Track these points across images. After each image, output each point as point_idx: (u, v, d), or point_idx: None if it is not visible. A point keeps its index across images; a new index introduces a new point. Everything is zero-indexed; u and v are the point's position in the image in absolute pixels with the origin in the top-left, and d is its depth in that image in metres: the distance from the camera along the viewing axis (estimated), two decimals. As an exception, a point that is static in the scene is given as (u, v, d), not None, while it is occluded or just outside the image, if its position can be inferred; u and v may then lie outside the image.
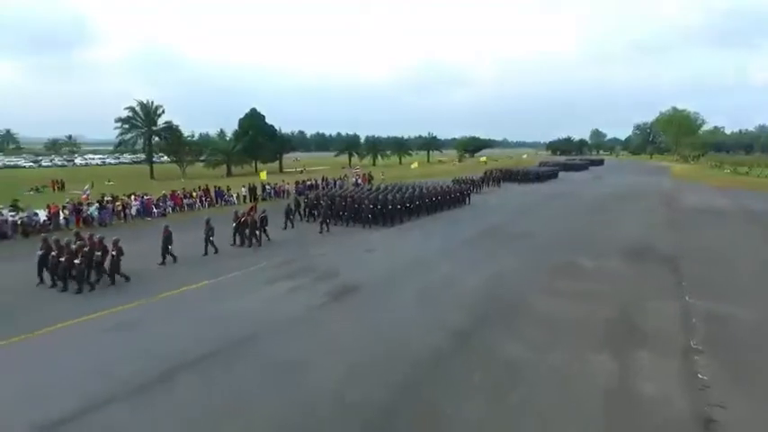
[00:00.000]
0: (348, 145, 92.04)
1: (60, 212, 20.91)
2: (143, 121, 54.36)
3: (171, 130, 55.79)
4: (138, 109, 54.26)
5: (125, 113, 53.85)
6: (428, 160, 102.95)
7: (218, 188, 31.17)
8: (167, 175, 51.17)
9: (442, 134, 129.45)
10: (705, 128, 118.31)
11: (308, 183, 36.54)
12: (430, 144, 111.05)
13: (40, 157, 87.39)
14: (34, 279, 12.99)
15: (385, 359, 8.69)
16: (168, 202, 26.16)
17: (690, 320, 10.73)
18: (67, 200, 23.58)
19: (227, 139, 69.29)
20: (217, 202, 29.50)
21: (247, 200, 29.89)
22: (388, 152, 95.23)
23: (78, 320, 10.44)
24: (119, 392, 7.45)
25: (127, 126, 54.28)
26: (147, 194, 26.04)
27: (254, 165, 63.84)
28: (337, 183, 39.00)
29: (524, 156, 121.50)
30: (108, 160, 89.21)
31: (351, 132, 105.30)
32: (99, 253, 13.37)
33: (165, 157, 61.61)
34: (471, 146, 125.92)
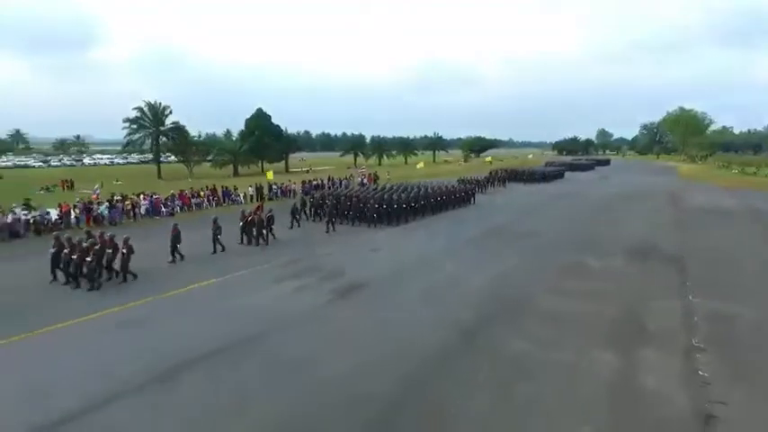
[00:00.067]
0: (353, 145, 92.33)
1: (71, 211, 21.27)
2: (151, 121, 54.89)
3: (178, 130, 56.29)
4: (146, 109, 54.80)
5: (133, 114, 54.48)
6: (434, 160, 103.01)
7: (226, 188, 31.49)
8: (175, 175, 51.65)
9: (448, 134, 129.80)
10: (713, 128, 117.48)
11: (315, 182, 36.80)
12: (435, 144, 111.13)
13: (49, 157, 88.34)
14: (47, 276, 13.28)
15: (391, 356, 8.86)
16: (176, 202, 26.49)
17: (693, 319, 10.82)
18: (78, 199, 23.97)
19: (234, 139, 69.79)
20: (224, 202, 29.80)
21: (254, 199, 30.17)
22: (394, 152, 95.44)
23: (91, 317, 10.70)
24: (131, 386, 7.69)
25: (135, 126, 54.83)
26: (155, 194, 26.40)
27: (260, 165, 64.25)
28: (343, 182, 39.22)
29: (530, 156, 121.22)
30: (116, 160, 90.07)
31: (356, 132, 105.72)
32: (110, 251, 13.65)
33: (173, 157, 62.16)
34: (477, 146, 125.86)
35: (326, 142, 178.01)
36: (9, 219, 19.31)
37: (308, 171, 59.99)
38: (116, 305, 11.42)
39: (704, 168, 76.61)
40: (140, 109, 54.58)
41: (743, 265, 16.02)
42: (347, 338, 9.68)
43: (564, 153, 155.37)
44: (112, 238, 13.85)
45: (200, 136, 65.52)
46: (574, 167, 71.76)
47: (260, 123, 64.77)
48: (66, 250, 13.31)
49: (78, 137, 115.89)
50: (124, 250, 13.62)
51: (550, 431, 6.62)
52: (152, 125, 54.93)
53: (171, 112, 56.24)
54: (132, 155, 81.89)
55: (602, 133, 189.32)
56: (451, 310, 11.24)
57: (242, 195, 31.31)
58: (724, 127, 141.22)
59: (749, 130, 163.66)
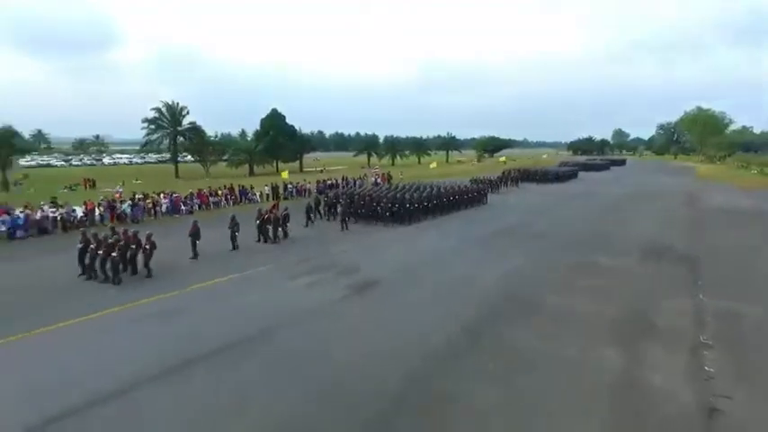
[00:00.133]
0: (367, 145, 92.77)
1: (96, 209, 22.10)
2: (169, 121, 56.00)
3: (195, 130, 57.33)
4: (163, 110, 55.92)
5: (151, 114, 55.63)
6: (447, 160, 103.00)
7: (243, 187, 32.18)
8: (191, 175, 52.67)
9: (462, 134, 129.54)
10: (732, 127, 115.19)
11: (329, 182, 37.34)
12: (449, 144, 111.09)
13: (70, 157, 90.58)
14: (76, 270, 13.92)
15: (402, 349, 9.21)
16: (195, 200, 27.22)
17: (702, 317, 10.98)
18: (102, 197, 24.82)
19: (249, 139, 70.76)
20: (241, 201, 30.47)
21: (270, 198, 30.78)
22: (407, 152, 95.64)
23: (119, 308, 11.29)
24: (164, 369, 8.22)
25: (153, 126, 55.99)
26: (175, 193, 27.17)
27: (275, 164, 65.07)
28: (357, 182, 39.69)
29: (544, 156, 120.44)
30: (134, 159, 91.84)
31: (369, 132, 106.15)
32: (133, 247, 14.26)
33: (189, 157, 63.28)
34: (490, 146, 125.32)
35: (340, 142, 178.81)
36: (38, 216, 20.16)
37: (321, 171, 60.61)
38: (143, 298, 12.00)
39: (722, 169, 75.38)
40: (158, 109, 55.74)
41: (756, 265, 16.03)
42: (360, 332, 10.06)
43: (579, 153, 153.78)
44: (136, 235, 14.44)
45: (216, 136, 66.66)
46: (588, 167, 71.13)
47: (275, 123, 65.59)
48: (92, 246, 13.96)
49: (97, 137, 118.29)
50: (147, 246, 14.22)
51: (555, 422, 6.89)
52: (170, 125, 56.04)
53: (188, 113, 57.39)
54: (150, 154, 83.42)
55: (619, 133, 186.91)
56: (461, 307, 11.55)
57: (258, 194, 31.97)
58: (744, 127, 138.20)
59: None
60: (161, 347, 9.15)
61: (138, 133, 59.11)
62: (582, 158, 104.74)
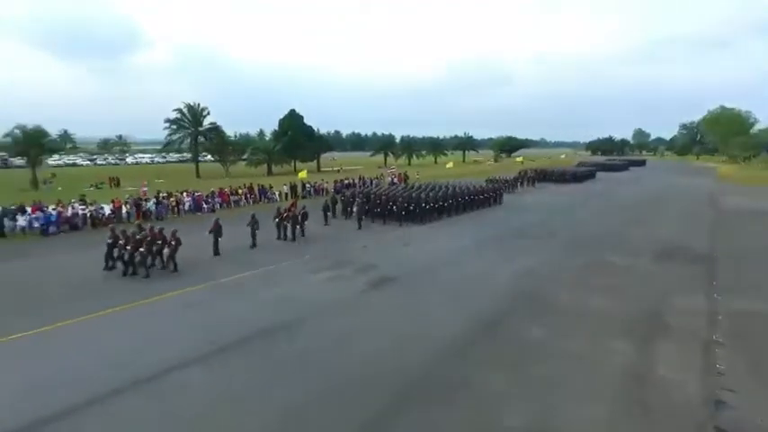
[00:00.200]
0: (383, 145, 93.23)
1: (123, 206, 22.97)
2: (190, 122, 57.16)
3: (215, 130, 58.41)
4: (185, 111, 57.11)
5: (173, 115, 56.86)
6: (464, 160, 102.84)
7: (262, 186, 32.91)
8: (211, 174, 53.78)
9: (479, 134, 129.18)
10: (758, 127, 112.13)
11: (346, 182, 37.90)
12: (465, 144, 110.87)
13: (95, 156, 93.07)
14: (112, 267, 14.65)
15: (419, 340, 9.61)
16: (216, 199, 27.99)
17: (716, 316, 11.11)
18: (128, 195, 25.77)
19: (267, 138, 71.79)
20: (260, 200, 31.18)
21: (289, 197, 31.41)
22: (423, 152, 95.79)
23: (151, 300, 11.93)
24: (199, 356, 8.80)
25: (175, 127, 57.20)
26: (197, 191, 27.99)
27: (293, 164, 65.95)
28: (373, 182, 40.15)
29: (562, 156, 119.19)
30: (156, 159, 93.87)
31: (386, 132, 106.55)
32: (159, 242, 14.90)
33: (209, 156, 64.51)
34: (507, 146, 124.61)
35: (357, 142, 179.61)
36: (69, 213, 21.09)
37: (338, 171, 61.24)
38: (172, 290, 12.63)
39: (746, 170, 73.71)
40: (180, 110, 56.94)
41: (774, 266, 15.97)
42: (379, 324, 10.48)
43: (598, 153, 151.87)
44: (161, 231, 15.08)
45: (235, 136, 67.83)
46: (607, 168, 70.37)
47: (293, 123, 66.43)
48: (121, 241, 14.66)
49: (120, 137, 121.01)
50: (173, 242, 14.85)
51: (564, 406, 7.19)
52: (191, 126, 57.20)
53: (209, 113, 58.48)
54: (171, 154, 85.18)
55: (639, 133, 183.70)
56: (475, 303, 11.87)
57: (277, 193, 32.66)
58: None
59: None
60: (193, 336, 9.72)
61: (158, 133, 60.54)
62: (601, 159, 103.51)
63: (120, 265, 14.50)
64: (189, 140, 58.07)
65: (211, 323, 10.43)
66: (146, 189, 28.21)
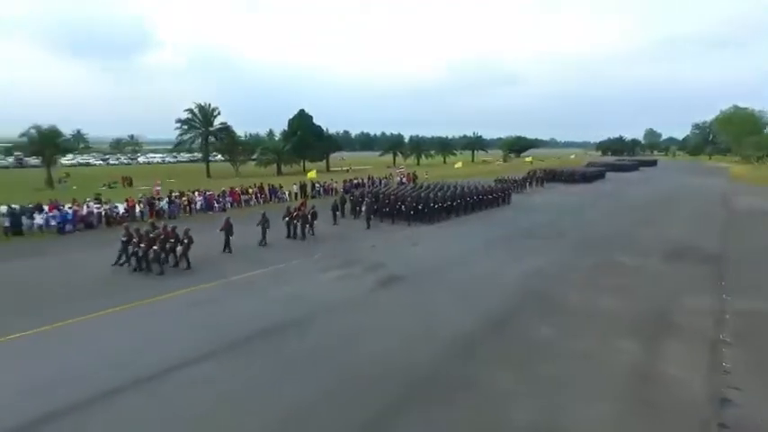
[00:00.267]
0: (392, 145, 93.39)
1: (137, 205, 23.42)
2: (201, 122, 57.76)
3: (226, 130, 58.96)
4: (196, 111, 57.73)
5: (183, 115, 57.47)
6: (473, 160, 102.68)
7: (272, 186, 33.26)
8: (222, 174, 54.30)
9: (489, 134, 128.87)
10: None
11: (355, 181, 38.13)
12: (475, 144, 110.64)
13: (108, 156, 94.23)
14: (123, 263, 15.00)
15: (427, 337, 9.79)
16: (227, 198, 28.38)
17: (723, 316, 11.14)
18: (141, 195, 26.23)
19: (276, 138, 72.27)
20: (270, 199, 31.51)
21: (298, 197, 31.71)
22: (432, 152, 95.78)
23: (165, 297, 12.23)
24: (216, 348, 9.07)
25: (186, 127, 57.84)
26: (208, 191, 28.40)
27: (302, 164, 66.35)
28: (382, 182, 40.33)
29: (572, 156, 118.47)
30: (167, 159, 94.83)
31: (395, 132, 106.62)
32: (172, 241, 15.22)
33: (219, 156, 65.12)
34: (517, 146, 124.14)
35: (366, 142, 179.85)
36: (85, 211, 21.55)
37: (347, 170, 61.50)
38: (184, 287, 12.93)
39: (758, 170, 72.79)
40: (191, 110, 57.57)
41: (784, 267, 15.91)
42: (388, 322, 10.66)
43: (609, 153, 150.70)
44: (174, 230, 15.41)
45: (245, 136, 68.37)
46: (616, 168, 69.81)
47: (302, 123, 66.81)
48: (135, 239, 15.00)
49: (132, 136, 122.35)
50: (185, 240, 15.16)
51: (571, 405, 7.32)
52: (202, 126, 57.79)
53: (219, 114, 59.03)
54: (181, 154, 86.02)
55: (651, 133, 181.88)
56: (484, 302, 12.01)
57: (287, 193, 32.99)
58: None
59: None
60: (206, 332, 9.98)
61: (168, 133, 61.14)
62: (611, 159, 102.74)
63: (133, 261, 14.84)
64: (200, 140, 58.66)
65: (223, 320, 10.68)
66: (159, 188, 28.70)
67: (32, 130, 41.67)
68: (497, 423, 6.90)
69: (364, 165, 77.38)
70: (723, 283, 13.86)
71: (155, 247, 14.66)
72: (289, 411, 7.10)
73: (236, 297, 12.31)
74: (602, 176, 56.69)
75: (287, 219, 19.82)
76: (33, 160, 55.93)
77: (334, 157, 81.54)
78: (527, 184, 42.79)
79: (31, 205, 21.40)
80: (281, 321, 10.56)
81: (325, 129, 71.67)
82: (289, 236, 19.72)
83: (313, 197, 32.97)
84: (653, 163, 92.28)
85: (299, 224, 19.82)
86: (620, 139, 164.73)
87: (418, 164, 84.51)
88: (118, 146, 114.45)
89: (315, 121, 69.19)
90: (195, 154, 77.44)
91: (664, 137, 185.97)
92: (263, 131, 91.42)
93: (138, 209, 23.28)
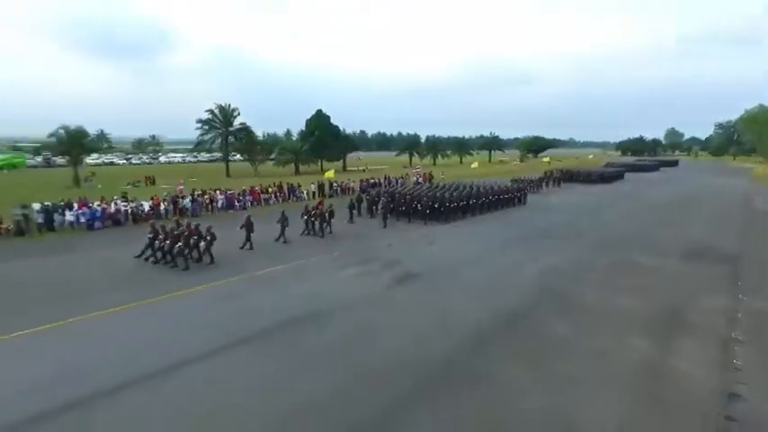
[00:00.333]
0: (409, 144, 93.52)
1: (161, 204, 24.26)
2: (221, 122, 58.84)
3: (245, 130, 59.94)
4: (216, 111, 58.84)
5: (204, 115, 58.59)
6: (489, 160, 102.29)
7: (291, 185, 33.91)
8: (241, 173, 55.30)
9: (506, 134, 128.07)
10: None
11: (372, 181, 38.58)
12: (491, 144, 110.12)
13: (130, 156, 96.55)
14: (151, 258, 15.68)
15: (443, 332, 10.11)
16: (248, 197, 29.10)
17: (737, 316, 11.22)
18: (165, 193, 27.11)
19: (294, 138, 73.15)
20: (289, 198, 32.16)
21: (316, 196, 32.31)
22: (449, 152, 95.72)
23: (190, 290, 12.81)
24: (236, 340, 9.54)
25: (207, 127, 58.98)
26: (230, 190, 29.16)
27: (319, 163, 67.07)
28: (399, 181, 40.68)
29: (590, 156, 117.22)
30: (187, 158, 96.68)
31: (411, 132, 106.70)
32: (195, 237, 15.82)
33: (238, 156, 66.22)
34: (534, 146, 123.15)
35: (382, 142, 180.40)
36: (113, 209, 22.43)
37: (364, 170, 61.98)
38: (208, 282, 13.49)
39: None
40: (211, 111, 58.69)
41: (804, 268, 15.78)
42: (404, 318, 11.00)
43: (629, 154, 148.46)
44: (197, 227, 16.03)
45: (263, 136, 69.34)
46: (636, 168, 68.85)
47: (320, 124, 67.49)
48: (161, 236, 15.67)
49: (153, 136, 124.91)
50: (208, 237, 15.76)
51: (580, 397, 7.58)
52: (222, 126, 58.87)
53: (239, 114, 60.05)
54: (201, 153, 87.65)
55: (672, 133, 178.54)
56: (499, 300, 12.26)
57: (305, 192, 33.62)
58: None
59: None
60: (231, 323, 10.49)
61: (187, 133, 62.29)
62: (630, 159, 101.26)
63: (158, 255, 15.56)
64: (220, 140, 59.76)
65: (246, 312, 11.16)
66: (182, 187, 29.61)
67: (61, 131, 43.05)
68: (508, 414, 7.16)
69: (381, 165, 77.82)
70: (739, 283, 13.87)
71: (179, 244, 15.31)
72: (302, 403, 7.38)
73: (261, 291, 12.81)
74: (620, 177, 56.06)
75: (305, 217, 20.36)
76: (60, 160, 57.82)
77: (351, 156, 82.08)
78: (543, 184, 42.66)
79: (62, 203, 22.35)
80: (304, 315, 10.99)
81: (342, 129, 72.28)
82: (307, 233, 20.24)
83: (330, 196, 33.54)
84: (674, 163, 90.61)
85: (316, 222, 20.33)
86: (640, 139, 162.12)
87: (434, 164, 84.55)
88: (140, 146, 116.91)
89: (332, 121, 69.86)
90: (214, 154, 78.79)
91: (686, 137, 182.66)
92: (278, 131, 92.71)
93: (162, 207, 24.13)
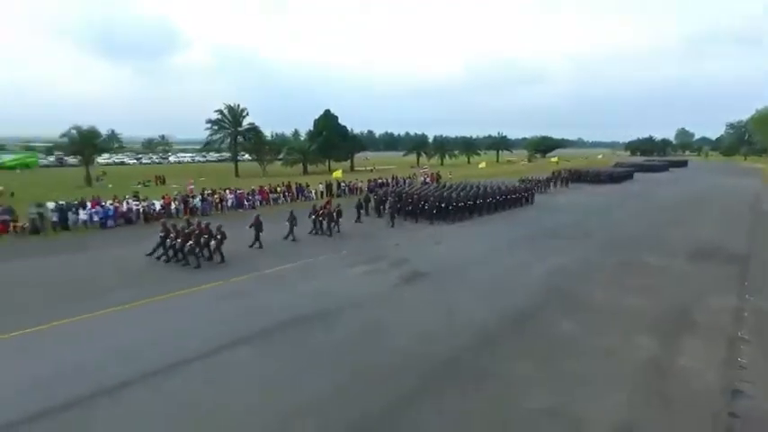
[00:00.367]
0: (416, 144, 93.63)
1: (172, 203, 24.64)
2: (230, 122, 59.36)
3: (254, 130, 60.43)
4: (225, 112, 59.36)
5: (213, 115, 59.14)
6: (497, 160, 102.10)
7: (299, 185, 34.22)
8: (249, 173, 55.75)
9: (514, 134, 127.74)
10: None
11: (379, 181, 38.79)
12: (499, 144, 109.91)
13: (140, 155, 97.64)
14: (160, 255, 15.98)
15: (449, 330, 10.26)
16: (257, 197, 29.43)
17: (744, 315, 11.25)
18: (176, 192, 27.51)
19: (301, 138, 73.58)
20: (298, 198, 32.45)
21: (324, 195, 32.57)
22: (456, 152, 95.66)
23: (200, 288, 13.06)
24: (243, 337, 9.77)
25: (216, 127, 59.54)
26: (239, 189, 29.51)
27: (327, 163, 67.39)
28: (406, 181, 40.85)
29: (599, 156, 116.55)
30: (196, 158, 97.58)
31: (419, 132, 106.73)
32: (206, 236, 16.09)
33: (246, 156, 66.76)
34: (542, 146, 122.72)
35: (390, 142, 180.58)
36: (125, 208, 22.83)
37: (371, 170, 62.20)
38: (218, 280, 13.74)
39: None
40: (221, 111, 59.22)
41: (813, 269, 15.72)
42: (412, 316, 11.16)
43: (638, 154, 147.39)
44: (207, 226, 16.29)
45: (271, 136, 69.84)
46: (645, 169, 68.34)
47: (328, 124, 67.83)
48: (172, 234, 15.96)
49: (163, 136, 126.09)
50: (218, 236, 16.02)
51: (586, 394, 7.69)
52: (231, 126, 59.39)
53: (247, 114, 60.53)
54: (210, 153, 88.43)
55: (682, 133, 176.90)
56: (506, 299, 12.38)
57: (313, 192, 33.91)
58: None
59: None
60: (239, 321, 10.71)
61: (196, 133, 62.90)
62: (639, 159, 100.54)
63: (169, 253, 15.84)
64: (229, 140, 60.26)
65: (255, 309, 11.39)
66: (192, 187, 30.02)
67: (73, 131, 43.70)
68: (512, 409, 7.28)
69: (388, 165, 77.98)
70: (746, 283, 13.87)
71: (190, 242, 15.58)
72: (308, 401, 7.45)
73: (268, 290, 13.02)
74: (629, 177, 55.77)
75: (313, 216, 20.60)
76: (72, 160, 58.66)
77: (359, 156, 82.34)
78: (551, 184, 42.58)
79: (75, 201, 22.78)
80: (309, 314, 11.15)
81: (349, 129, 72.56)
82: (315, 232, 20.47)
83: (338, 196, 33.78)
84: (683, 163, 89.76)
85: (324, 221, 20.56)
86: (649, 140, 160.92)
87: (442, 164, 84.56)
88: (149, 145, 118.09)
89: (340, 121, 70.16)
90: (223, 153, 79.45)
91: (696, 137, 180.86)
92: (284, 130, 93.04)
93: (173, 206, 24.50)
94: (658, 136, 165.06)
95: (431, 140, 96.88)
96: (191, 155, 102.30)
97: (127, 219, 22.66)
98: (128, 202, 23.41)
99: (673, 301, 12.24)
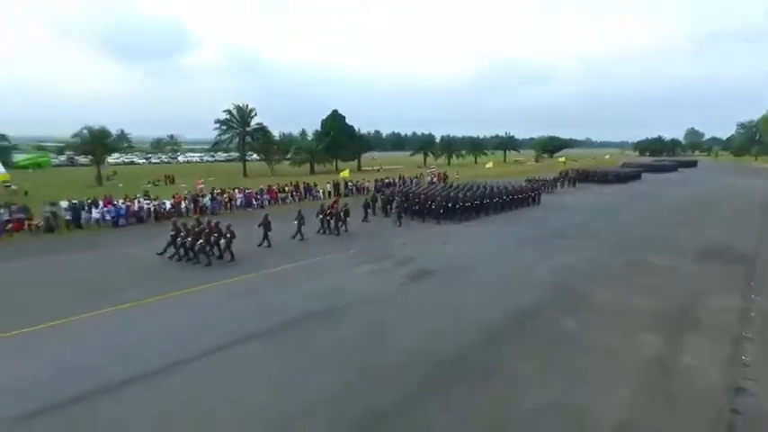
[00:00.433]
0: (423, 144, 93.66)
1: (182, 202, 25.01)
2: (238, 122, 59.84)
3: (262, 130, 60.88)
4: (234, 112, 59.85)
5: (222, 115, 59.66)
6: (504, 160, 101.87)
7: (307, 184, 34.51)
8: (257, 172, 56.17)
9: (521, 134, 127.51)
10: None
11: (386, 181, 38.99)
12: (506, 144, 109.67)
13: (150, 155, 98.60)
14: (171, 255, 16.27)
15: (455, 328, 10.40)
16: (265, 196, 29.75)
17: (749, 315, 11.30)
18: (186, 192, 27.89)
19: (308, 138, 74.00)
20: (305, 197, 32.75)
21: (332, 195, 32.83)
22: (464, 152, 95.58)
23: (210, 285, 13.32)
24: (253, 333, 9.98)
25: (224, 127, 60.05)
26: (248, 189, 29.85)
27: (334, 163, 67.69)
28: (413, 181, 41.00)
29: (607, 156, 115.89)
30: (205, 158, 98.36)
31: (426, 132, 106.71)
32: (215, 235, 16.36)
33: (255, 155, 67.24)
34: (550, 146, 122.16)
35: (397, 142, 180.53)
36: (136, 207, 23.22)
37: (378, 170, 62.40)
38: (227, 278, 13.99)
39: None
40: (229, 111, 59.73)
41: (821, 269, 15.67)
42: (418, 314, 11.31)
43: (647, 154, 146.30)
44: (217, 225, 16.56)
45: (279, 136, 70.33)
46: (654, 169, 67.87)
47: (335, 124, 68.12)
48: (182, 233, 16.25)
49: (172, 136, 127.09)
50: (227, 235, 16.28)
51: (591, 391, 7.80)
52: (239, 126, 59.88)
53: (256, 114, 61.00)
54: (218, 153, 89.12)
55: (692, 133, 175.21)
56: (512, 297, 12.50)
57: (321, 191, 34.18)
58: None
59: None
60: (248, 318, 10.92)
61: (205, 133, 63.45)
62: (648, 159, 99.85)
63: (181, 251, 16.12)
64: (237, 140, 60.74)
65: (264, 307, 11.60)
66: (202, 186, 30.38)
67: (84, 131, 44.29)
68: (521, 410, 7.37)
69: (395, 164, 78.10)
70: (752, 283, 13.89)
71: (200, 241, 15.86)
72: (313, 398, 7.53)
73: (276, 288, 13.23)
74: (637, 177, 55.50)
75: (321, 216, 20.83)
76: (83, 159, 59.44)
77: (366, 156, 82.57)
78: (558, 184, 42.52)
79: (88, 201, 23.19)
80: (316, 312, 11.33)
81: (357, 129, 72.80)
82: (323, 232, 20.70)
83: (345, 195, 34.02)
84: (693, 164, 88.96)
85: (332, 221, 20.78)
86: (658, 139, 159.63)
87: (449, 164, 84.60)
88: (158, 145, 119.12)
89: (347, 121, 70.43)
90: (231, 153, 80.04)
91: (706, 136, 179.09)
92: (292, 130, 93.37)
93: (183, 205, 24.87)
94: (668, 136, 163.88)
95: (438, 140, 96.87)
96: (199, 154, 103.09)
97: (138, 217, 23.05)
98: (139, 201, 23.80)
99: (679, 300, 12.29)
